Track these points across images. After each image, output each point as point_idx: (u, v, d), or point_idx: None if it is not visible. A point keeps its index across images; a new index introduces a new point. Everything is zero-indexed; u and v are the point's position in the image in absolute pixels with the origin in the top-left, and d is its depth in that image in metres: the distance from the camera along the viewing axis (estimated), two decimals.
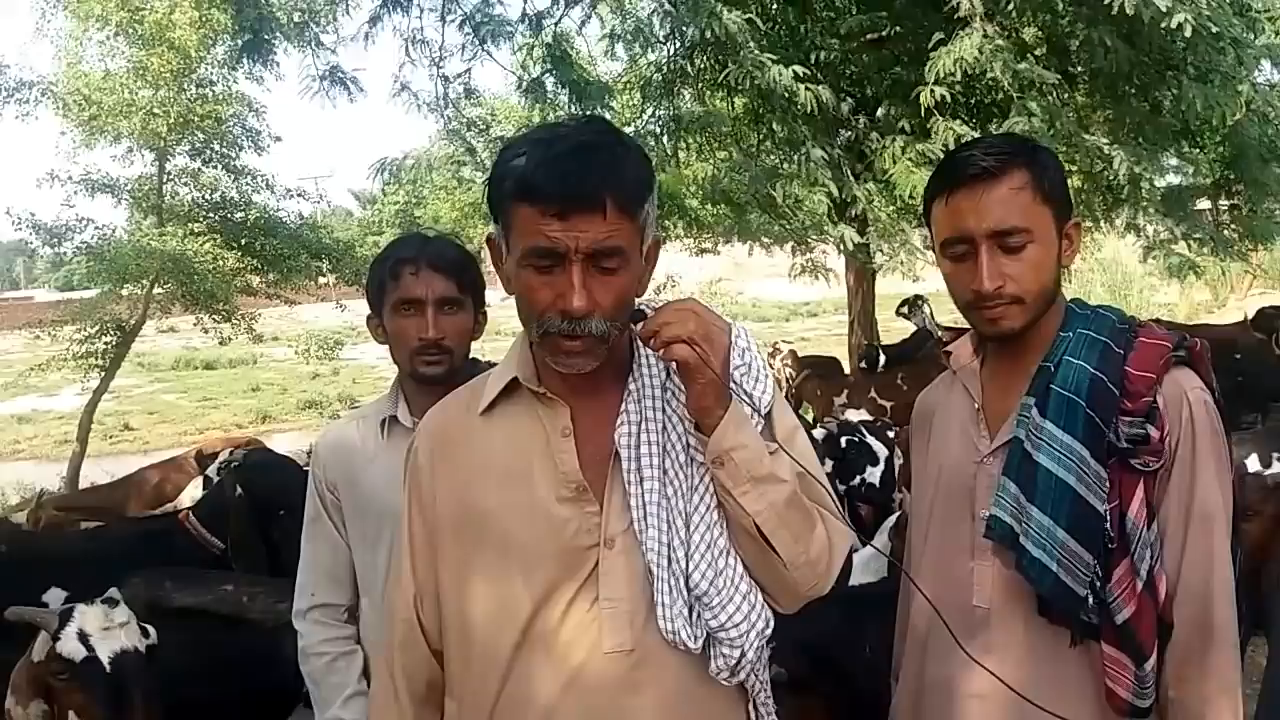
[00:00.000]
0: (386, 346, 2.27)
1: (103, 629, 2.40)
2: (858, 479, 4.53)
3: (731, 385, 1.47)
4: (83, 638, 2.37)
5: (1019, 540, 1.70)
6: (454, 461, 1.60)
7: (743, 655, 1.49)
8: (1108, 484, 1.65)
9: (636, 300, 1.54)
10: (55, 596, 3.41)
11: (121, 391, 19.10)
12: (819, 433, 4.68)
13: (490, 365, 1.98)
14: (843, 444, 4.55)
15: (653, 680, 1.50)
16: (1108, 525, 1.65)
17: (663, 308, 1.46)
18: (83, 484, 9.64)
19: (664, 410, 1.53)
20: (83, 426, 9.90)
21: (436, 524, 1.61)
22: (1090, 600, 1.65)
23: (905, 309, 10.59)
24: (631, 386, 1.54)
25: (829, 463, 4.43)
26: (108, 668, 2.36)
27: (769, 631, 1.52)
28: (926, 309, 10.42)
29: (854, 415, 6.91)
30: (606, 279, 1.43)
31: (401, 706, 1.66)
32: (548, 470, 1.53)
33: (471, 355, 2.29)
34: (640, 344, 1.55)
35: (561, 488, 1.52)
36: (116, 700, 2.34)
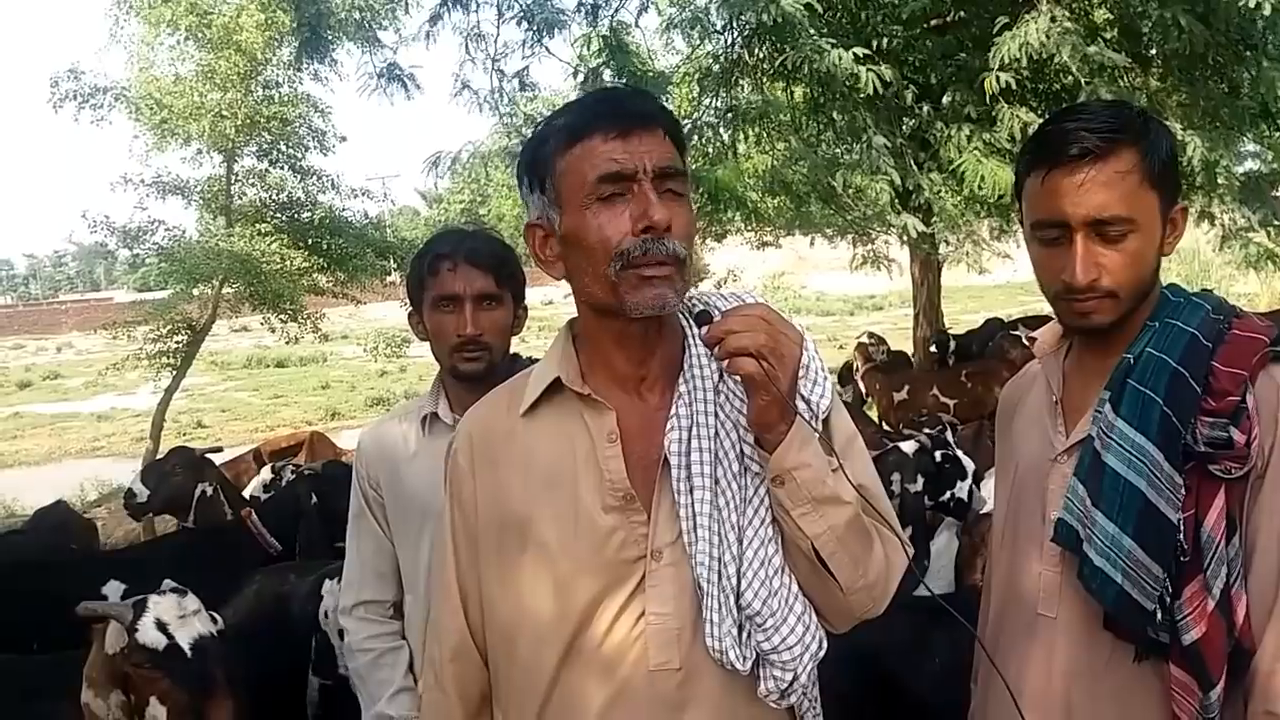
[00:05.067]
0: (428, 343, 2.25)
1: (179, 617, 2.46)
2: (948, 494, 4.30)
3: (799, 397, 1.40)
4: (161, 626, 2.43)
5: (1082, 547, 1.58)
6: (494, 465, 1.54)
7: (795, 679, 1.41)
8: (1183, 490, 1.50)
9: (703, 299, 1.47)
10: (114, 589, 3.50)
11: (195, 390, 19.63)
12: (910, 446, 4.40)
13: (531, 361, 1.95)
14: (938, 458, 4.29)
15: (699, 699, 1.43)
16: (1180, 536, 1.50)
17: (730, 313, 1.36)
18: None
19: (716, 415, 1.45)
20: (156, 424, 10.13)
21: (478, 529, 1.55)
22: (1159, 615, 1.51)
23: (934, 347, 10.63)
24: (682, 388, 1.46)
25: (920, 479, 4.23)
26: (189, 653, 2.43)
27: (822, 654, 1.44)
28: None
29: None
30: (674, 203, 1.38)
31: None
32: (592, 477, 1.46)
33: (512, 351, 2.27)
34: (692, 342, 1.48)
35: (607, 496, 1.44)
36: (200, 684, 2.41)
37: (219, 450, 6.07)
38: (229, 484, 5.68)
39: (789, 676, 1.40)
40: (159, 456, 6.21)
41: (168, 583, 2.54)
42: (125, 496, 5.46)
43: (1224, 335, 1.55)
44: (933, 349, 10.55)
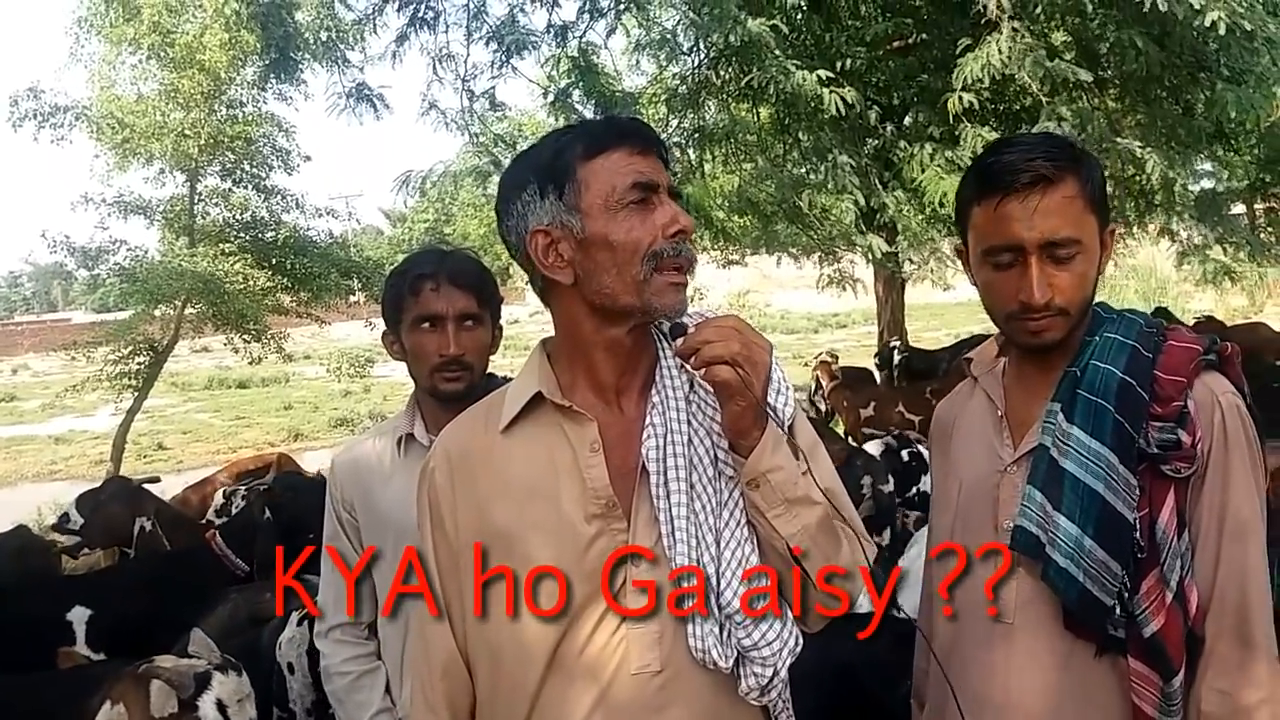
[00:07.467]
0: (404, 363, 2.25)
1: (238, 701, 2.54)
2: (914, 489, 4.50)
3: (767, 405, 1.44)
4: (221, 708, 2.50)
5: (1045, 550, 1.64)
6: (474, 482, 1.56)
7: (775, 674, 1.46)
8: (1138, 491, 1.60)
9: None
10: (79, 615, 3.46)
11: (156, 411, 19.33)
12: (875, 446, 4.58)
13: (507, 380, 1.95)
14: (904, 456, 4.51)
15: (680, 701, 1.46)
16: (1137, 534, 1.59)
17: (704, 324, 1.42)
18: None
19: (689, 423, 1.49)
20: (116, 446, 9.98)
21: (459, 546, 1.56)
22: (1117, 611, 1.60)
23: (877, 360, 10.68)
24: (655, 398, 1.50)
25: (890, 479, 4.38)
26: None
27: (799, 649, 1.49)
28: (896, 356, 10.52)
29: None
30: None
31: None
32: (575, 487, 1.48)
33: (489, 370, 2.27)
34: (663, 355, 1.53)
35: (590, 504, 1.47)
36: None
37: (156, 481, 5.88)
38: (168, 509, 5.56)
39: (769, 672, 1.45)
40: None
41: (223, 656, 2.62)
42: (59, 520, 5.22)
43: (1161, 346, 1.66)
44: (876, 361, 10.65)
